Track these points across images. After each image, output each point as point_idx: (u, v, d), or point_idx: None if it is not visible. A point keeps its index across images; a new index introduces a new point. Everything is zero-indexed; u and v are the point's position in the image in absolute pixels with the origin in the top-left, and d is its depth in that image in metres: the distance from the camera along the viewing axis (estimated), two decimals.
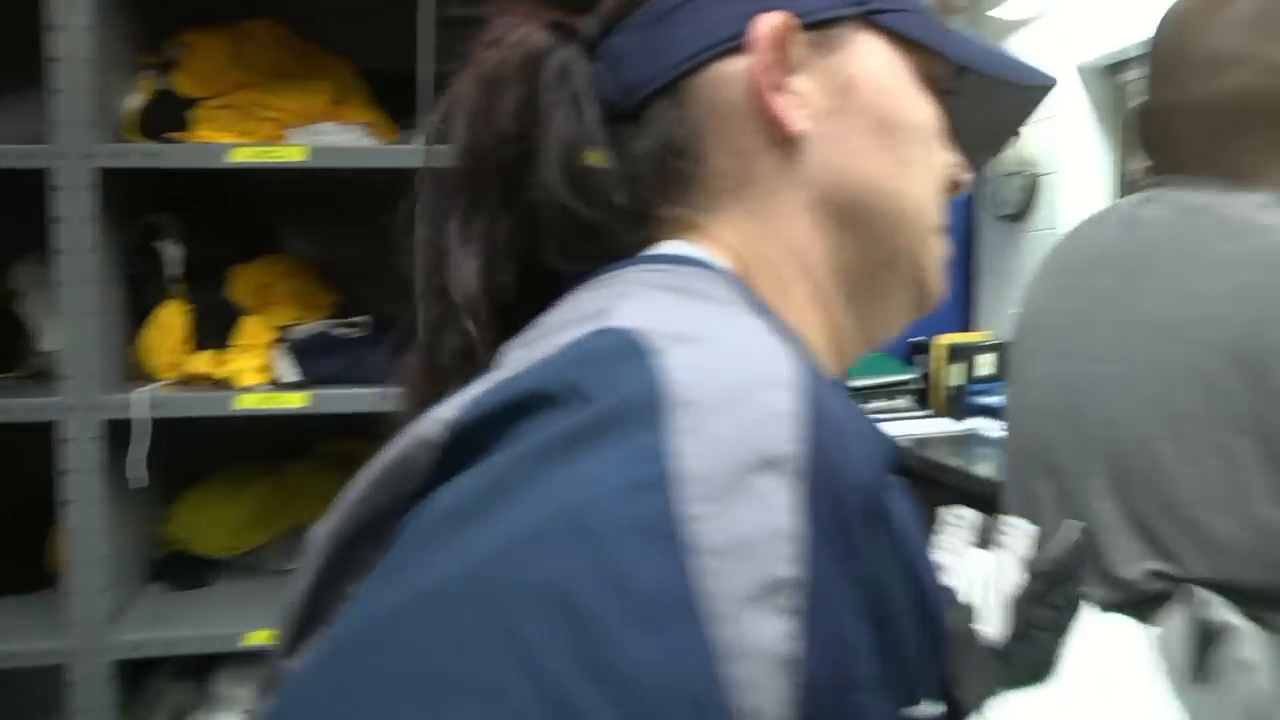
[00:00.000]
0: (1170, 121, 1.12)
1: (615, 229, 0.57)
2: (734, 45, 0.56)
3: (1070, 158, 3.44)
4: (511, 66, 0.57)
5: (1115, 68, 3.41)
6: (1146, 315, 1.05)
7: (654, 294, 0.49)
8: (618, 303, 0.46)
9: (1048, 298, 1.25)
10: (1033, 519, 1.05)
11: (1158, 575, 1.02)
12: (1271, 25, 1.03)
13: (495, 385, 0.42)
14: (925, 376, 3.66)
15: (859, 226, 0.58)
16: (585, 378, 0.40)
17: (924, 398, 3.64)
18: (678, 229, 0.57)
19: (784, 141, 0.56)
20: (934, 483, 2.90)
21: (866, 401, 3.52)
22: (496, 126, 0.57)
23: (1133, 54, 3.25)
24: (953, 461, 2.87)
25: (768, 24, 0.55)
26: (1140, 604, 1.00)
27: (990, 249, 3.85)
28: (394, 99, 1.98)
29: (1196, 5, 1.10)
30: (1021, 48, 3.59)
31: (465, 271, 0.58)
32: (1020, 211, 3.61)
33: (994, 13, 3.48)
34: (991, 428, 3.19)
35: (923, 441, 3.16)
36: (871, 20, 0.58)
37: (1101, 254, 1.16)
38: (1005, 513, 1.24)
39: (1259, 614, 0.92)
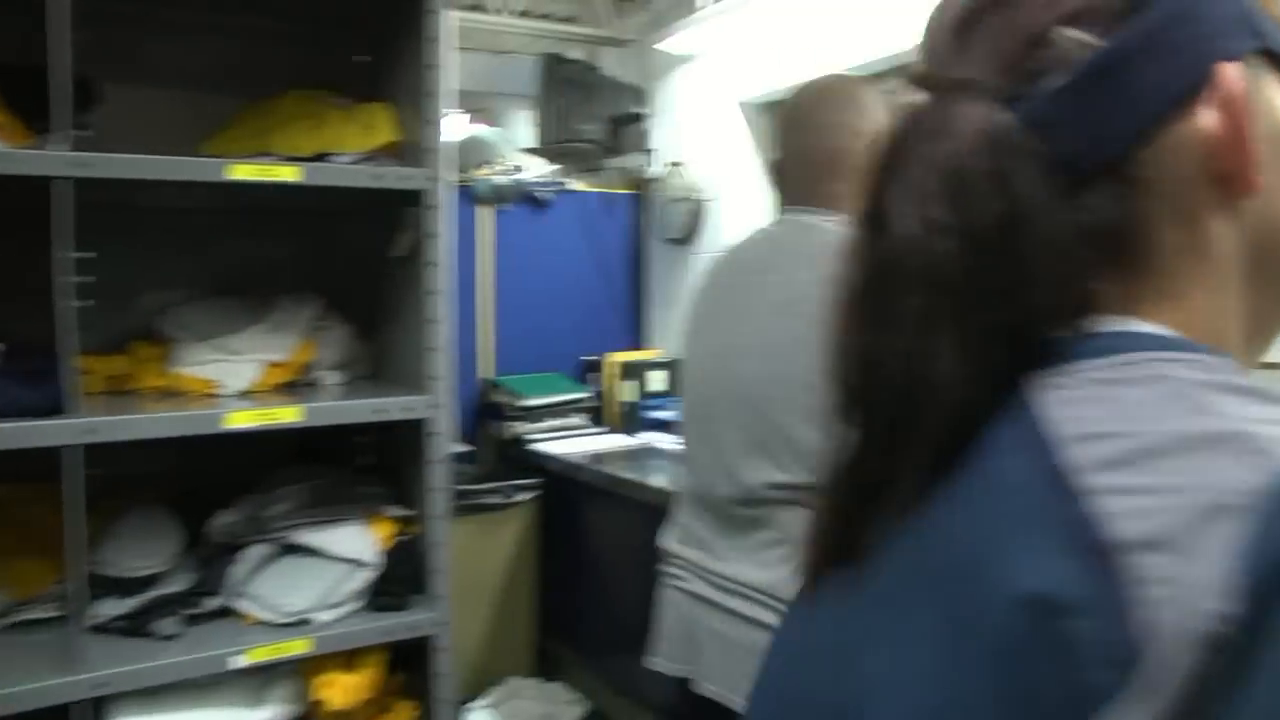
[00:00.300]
0: (790, 167, 1.54)
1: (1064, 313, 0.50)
2: (1188, 102, 0.49)
3: (731, 186, 3.67)
4: (979, 155, 0.49)
5: (774, 104, 3.65)
6: (770, 297, 1.44)
7: (1228, 399, 0.43)
8: (1226, 423, 0.42)
9: (709, 291, 1.60)
10: (699, 466, 1.49)
11: (773, 485, 1.37)
12: (856, 104, 1.49)
13: (1220, 554, 0.37)
14: (599, 394, 3.77)
15: (1269, 275, 0.53)
16: None
17: (599, 414, 3.74)
18: (1108, 304, 0.50)
19: (1232, 201, 0.51)
20: (611, 495, 2.98)
21: (541, 420, 3.56)
22: (976, 221, 0.48)
23: (791, 92, 3.49)
24: (628, 474, 2.96)
25: (1237, 77, 0.49)
26: (760, 503, 1.39)
27: (659, 271, 4.03)
28: (24, 99, 1.77)
29: (811, 88, 1.55)
30: (686, 83, 3.82)
31: (946, 376, 0.49)
32: (686, 235, 3.81)
33: (660, 46, 3.66)
34: (664, 440, 3.33)
35: (599, 456, 3.25)
36: (1269, 53, 0.52)
37: (745, 258, 1.56)
38: (682, 465, 1.59)
39: None
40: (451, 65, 1.99)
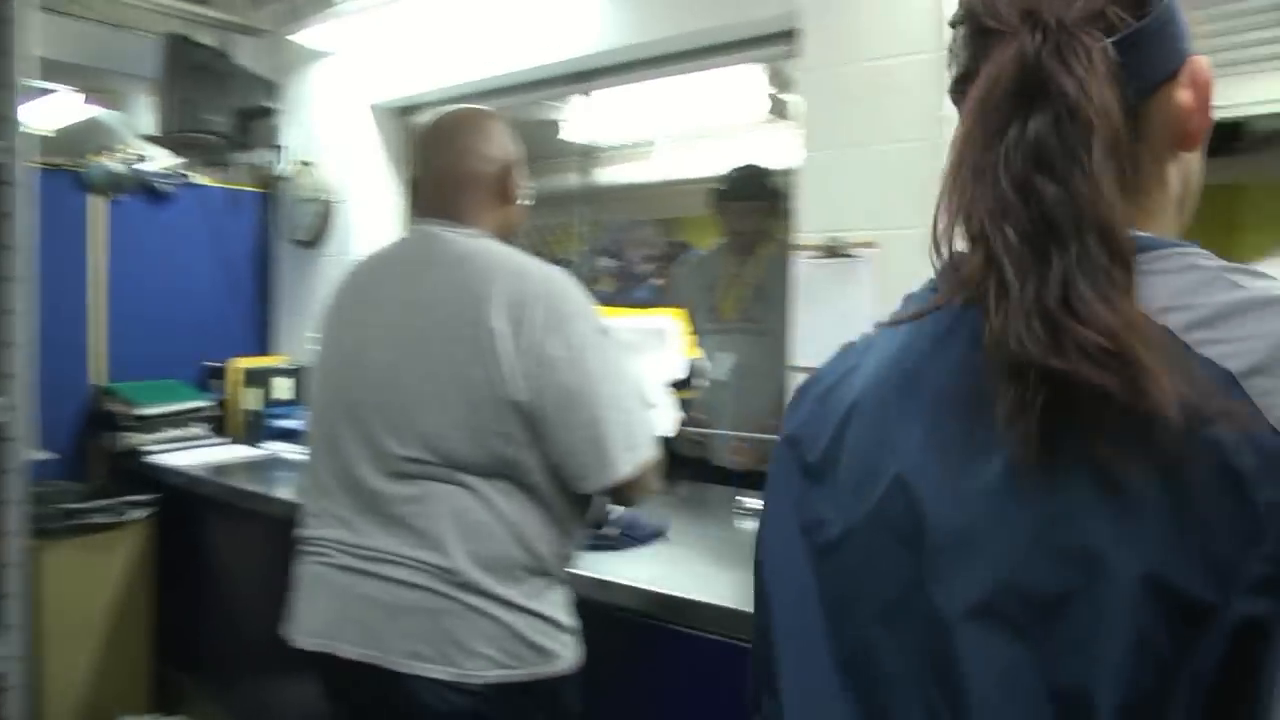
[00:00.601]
0: (426, 184, 1.68)
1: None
2: (1172, 79, 0.71)
3: (362, 188, 3.59)
4: (1105, 63, 0.66)
5: (406, 110, 3.63)
6: (401, 296, 1.58)
7: (1243, 277, 0.64)
8: (1257, 292, 0.62)
9: (348, 291, 1.71)
10: (336, 451, 1.57)
11: (405, 459, 1.50)
12: (486, 133, 1.67)
13: None
14: (222, 402, 3.56)
15: (1186, 207, 0.76)
16: None
17: (221, 424, 3.53)
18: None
19: (1180, 152, 0.73)
20: (235, 510, 2.81)
21: (159, 430, 3.31)
22: (1111, 105, 0.66)
23: (422, 100, 3.50)
24: (253, 487, 2.81)
25: (1206, 68, 0.72)
26: (402, 476, 1.50)
27: (286, 273, 3.87)
28: None
29: (449, 116, 1.71)
30: (319, 80, 3.70)
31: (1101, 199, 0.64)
32: (314, 237, 3.68)
33: (293, 38, 3.51)
34: (290, 451, 3.19)
35: (221, 468, 3.06)
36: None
37: (380, 261, 1.70)
38: (311, 455, 1.67)
39: (462, 477, 1.47)
40: (34, 24, 1.80)
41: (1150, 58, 0.69)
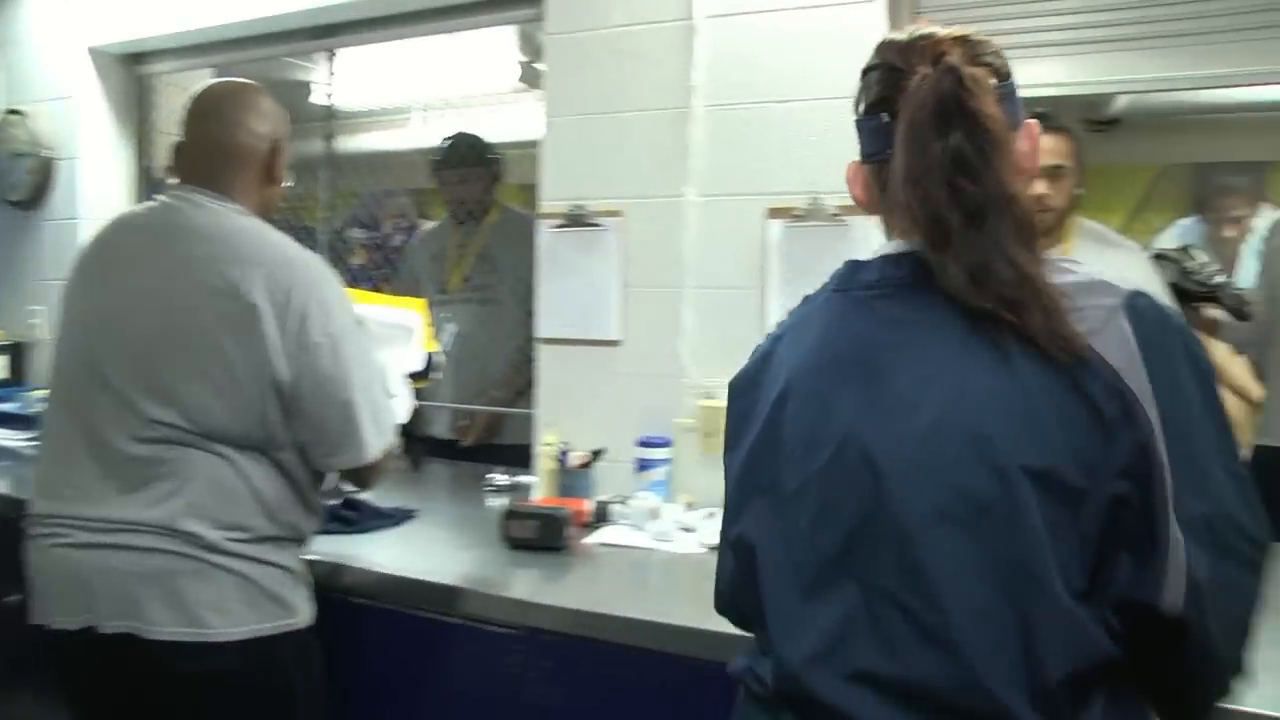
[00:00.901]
0: (190, 152, 1.69)
1: None
2: (1017, 129, 0.99)
3: (88, 144, 3.32)
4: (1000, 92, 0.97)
5: (133, 57, 3.36)
6: (162, 263, 1.59)
7: (1065, 263, 0.94)
8: (1083, 276, 0.92)
9: (97, 251, 1.71)
10: (83, 417, 1.57)
11: (161, 424, 1.52)
12: (259, 110, 1.69)
13: (1119, 332, 0.88)
14: None
15: None
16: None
17: None
18: None
19: (1023, 178, 0.99)
20: None
21: None
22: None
23: (149, 46, 3.25)
24: None
25: (1037, 130, 1.01)
26: (154, 441, 1.52)
27: (1, 238, 3.53)
28: None
29: (221, 86, 1.75)
30: (30, 18, 3.37)
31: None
32: (32, 197, 3.37)
33: None
34: (7, 437, 2.92)
35: None
36: None
37: (135, 223, 1.70)
38: (50, 425, 1.66)
39: (216, 446, 1.51)
40: None
41: (1008, 110, 0.96)
